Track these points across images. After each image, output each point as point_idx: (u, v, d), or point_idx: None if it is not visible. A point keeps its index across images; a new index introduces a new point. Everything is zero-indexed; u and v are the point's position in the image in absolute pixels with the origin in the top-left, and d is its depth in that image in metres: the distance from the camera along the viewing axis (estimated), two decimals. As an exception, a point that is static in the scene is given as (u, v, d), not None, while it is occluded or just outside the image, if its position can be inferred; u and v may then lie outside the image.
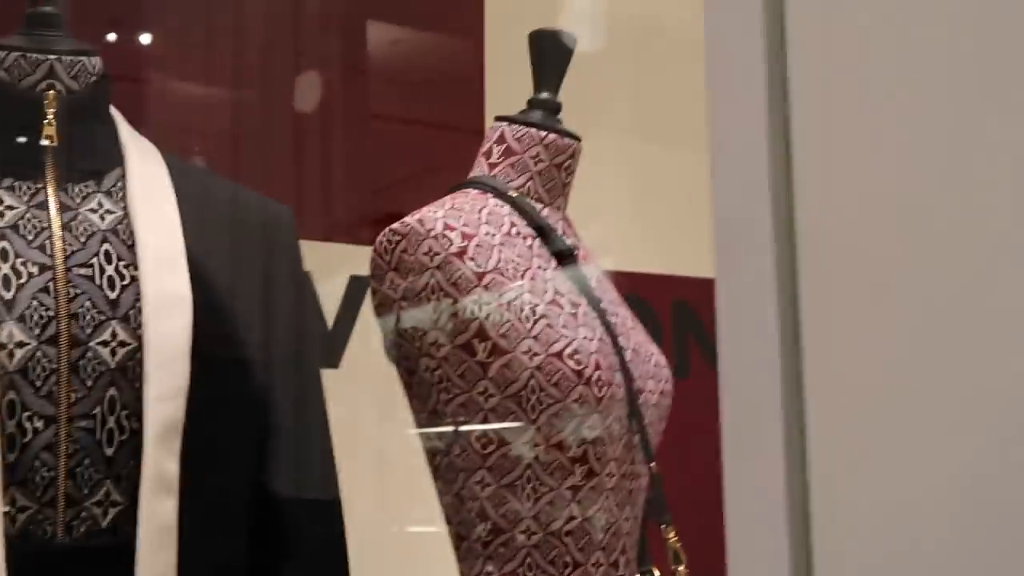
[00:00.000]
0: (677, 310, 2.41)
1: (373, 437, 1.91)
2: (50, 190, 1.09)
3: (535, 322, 1.25)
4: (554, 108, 1.40)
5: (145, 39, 2.05)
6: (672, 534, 1.32)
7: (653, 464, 1.32)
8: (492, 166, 1.38)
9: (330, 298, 2.01)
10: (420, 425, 1.30)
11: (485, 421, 1.24)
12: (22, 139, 1.10)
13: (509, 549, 1.25)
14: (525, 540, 1.24)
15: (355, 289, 2.00)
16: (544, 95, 1.40)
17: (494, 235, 1.29)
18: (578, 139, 1.41)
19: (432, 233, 1.24)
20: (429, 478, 1.32)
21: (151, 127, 1.74)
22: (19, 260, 1.04)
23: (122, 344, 1.04)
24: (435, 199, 1.31)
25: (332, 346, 1.98)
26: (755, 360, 0.56)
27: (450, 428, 1.26)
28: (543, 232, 1.34)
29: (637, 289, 2.30)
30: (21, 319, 1.02)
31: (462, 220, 1.27)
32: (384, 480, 2.02)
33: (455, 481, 1.27)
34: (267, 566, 1.16)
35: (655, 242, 2.35)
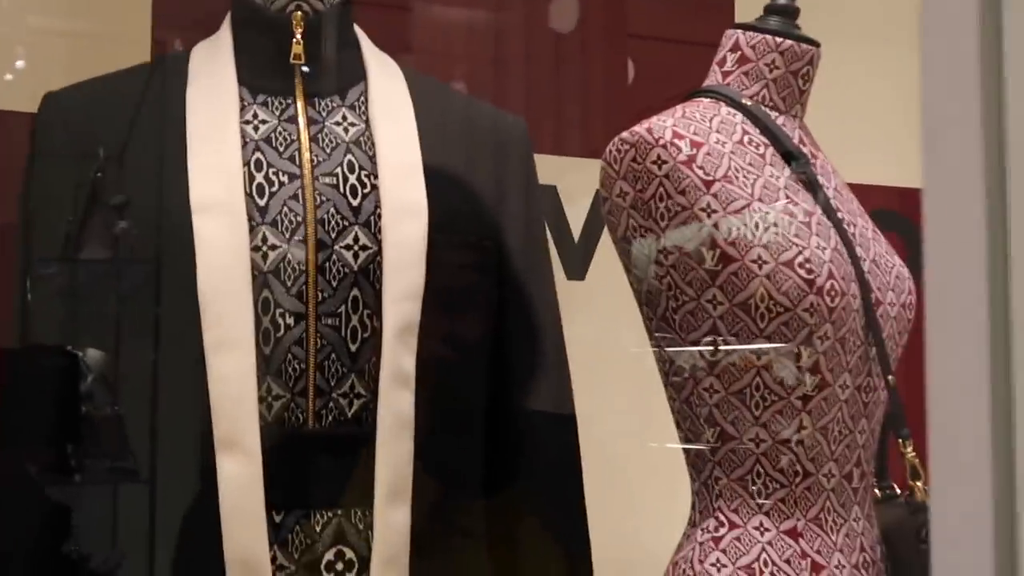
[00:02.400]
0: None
1: (620, 349, 1.93)
2: (299, 105, 1.17)
3: (766, 230, 1.23)
4: (792, 13, 1.36)
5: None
6: (910, 449, 1.28)
7: (891, 377, 1.29)
8: (726, 74, 1.36)
9: (578, 211, 2.04)
10: (651, 331, 1.32)
11: (714, 329, 1.24)
12: (273, 59, 1.18)
13: (737, 455, 1.25)
14: (754, 448, 1.25)
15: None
16: (782, 0, 1.36)
17: (725, 143, 1.28)
18: (816, 44, 1.37)
19: (660, 141, 1.24)
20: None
21: (410, 51, 1.82)
22: (271, 170, 1.13)
23: (363, 248, 1.11)
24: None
25: (579, 258, 2.02)
26: (962, 276, 0.55)
27: (682, 338, 1.27)
28: (776, 140, 1.32)
29: (901, 204, 2.21)
30: (274, 224, 1.10)
31: (692, 128, 1.27)
32: (635, 392, 2.04)
33: (684, 388, 1.28)
34: (502, 471, 1.21)
35: (916, 154, 2.24)
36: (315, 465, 1.10)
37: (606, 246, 2.05)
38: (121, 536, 1.10)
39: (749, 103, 1.33)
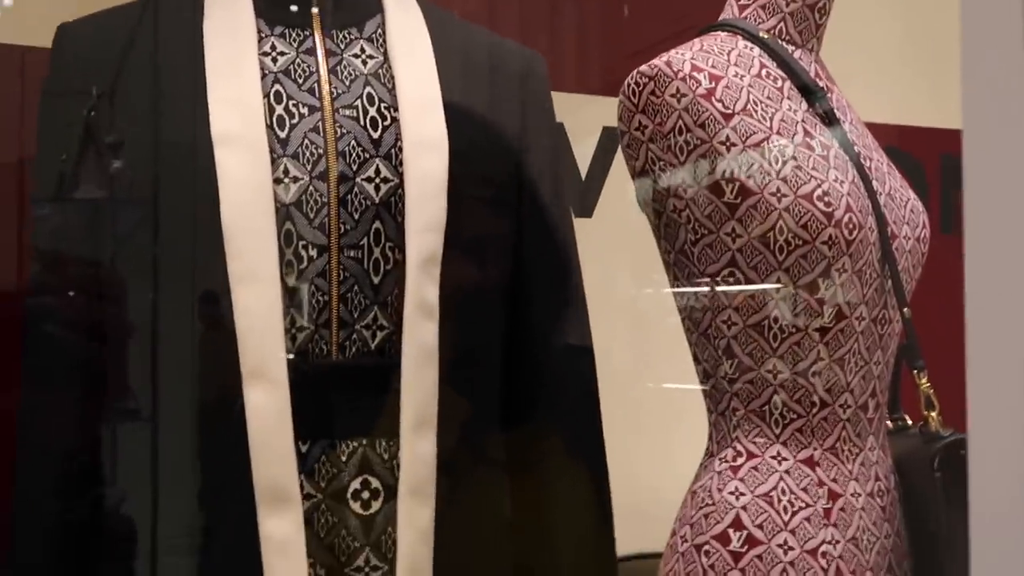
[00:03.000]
0: (946, 164, 2.31)
1: (626, 286, 1.94)
2: (317, 37, 1.16)
3: (784, 163, 1.24)
4: (809, -55, 1.35)
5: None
6: (924, 380, 1.30)
7: (906, 309, 1.30)
8: (742, 8, 1.35)
9: (584, 148, 2.04)
10: (668, 266, 1.32)
11: (732, 262, 1.25)
12: (292, -11, 1.17)
13: (755, 386, 1.27)
14: (771, 378, 1.26)
15: (608, 140, 2.01)
16: (798, -68, 1.36)
17: (743, 77, 1.28)
18: (834, -23, 1.36)
19: (680, 75, 1.24)
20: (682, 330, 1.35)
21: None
22: (291, 102, 1.12)
23: (385, 180, 1.11)
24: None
25: (585, 195, 2.02)
26: (1002, 219, 0.55)
27: (700, 271, 1.28)
28: (794, 74, 1.31)
29: (903, 142, 2.22)
30: (295, 156, 1.10)
31: (710, 62, 1.27)
32: (638, 330, 2.05)
33: (702, 320, 1.29)
34: (524, 401, 1.22)
35: (923, 92, 2.24)
36: (340, 396, 1.11)
37: (612, 184, 2.06)
38: (147, 468, 1.10)
39: (766, 36, 1.33)
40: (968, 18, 0.58)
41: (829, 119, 1.32)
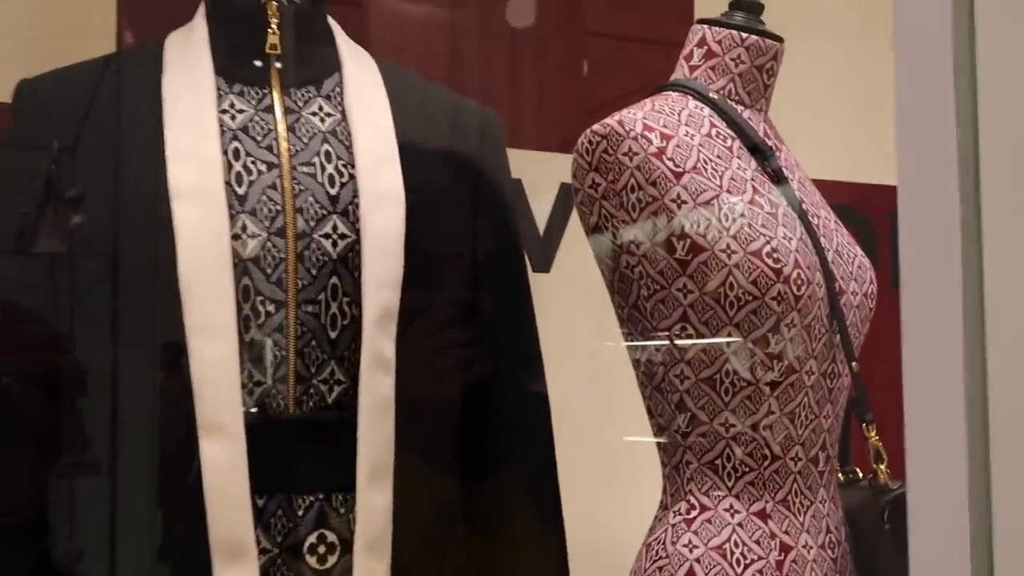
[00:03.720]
0: (895, 220, 2.35)
1: (587, 339, 1.95)
2: (275, 95, 1.18)
3: (734, 221, 1.26)
4: (756, 9, 1.40)
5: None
6: (873, 433, 1.32)
7: (855, 364, 1.32)
8: (693, 68, 1.39)
9: (542, 205, 2.06)
10: (623, 320, 1.34)
11: (684, 317, 1.27)
12: (249, 49, 1.19)
13: (708, 439, 1.28)
14: (723, 432, 1.28)
15: (566, 195, 2.03)
16: (747, -4, 1.40)
17: (693, 136, 1.31)
18: (780, 40, 1.40)
19: (632, 134, 1.27)
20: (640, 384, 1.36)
21: (371, 44, 1.82)
22: (250, 159, 1.14)
23: (342, 236, 1.13)
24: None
25: (544, 250, 2.04)
26: (937, 273, 0.57)
27: (653, 326, 1.30)
28: (743, 133, 1.35)
29: (853, 199, 2.26)
30: (253, 212, 1.11)
31: (661, 121, 1.30)
32: (596, 384, 2.05)
33: (656, 374, 1.31)
34: (479, 452, 1.23)
35: (871, 150, 2.29)
36: (296, 450, 1.11)
37: (569, 239, 2.08)
38: (104, 522, 1.10)
39: (716, 97, 1.36)
40: (902, 78, 0.61)
41: (778, 177, 1.35)
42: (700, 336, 1.27)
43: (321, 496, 1.10)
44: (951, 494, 0.57)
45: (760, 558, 1.25)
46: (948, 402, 0.57)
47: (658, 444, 1.34)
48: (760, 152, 1.35)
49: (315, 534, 1.09)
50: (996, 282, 0.56)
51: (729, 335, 1.26)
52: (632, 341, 1.33)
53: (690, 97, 1.36)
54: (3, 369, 1.15)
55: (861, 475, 1.38)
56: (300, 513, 1.09)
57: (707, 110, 1.35)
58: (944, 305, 0.58)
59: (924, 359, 0.60)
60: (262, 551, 1.07)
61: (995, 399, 0.55)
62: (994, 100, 0.56)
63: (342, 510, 1.10)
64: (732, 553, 1.24)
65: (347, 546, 1.10)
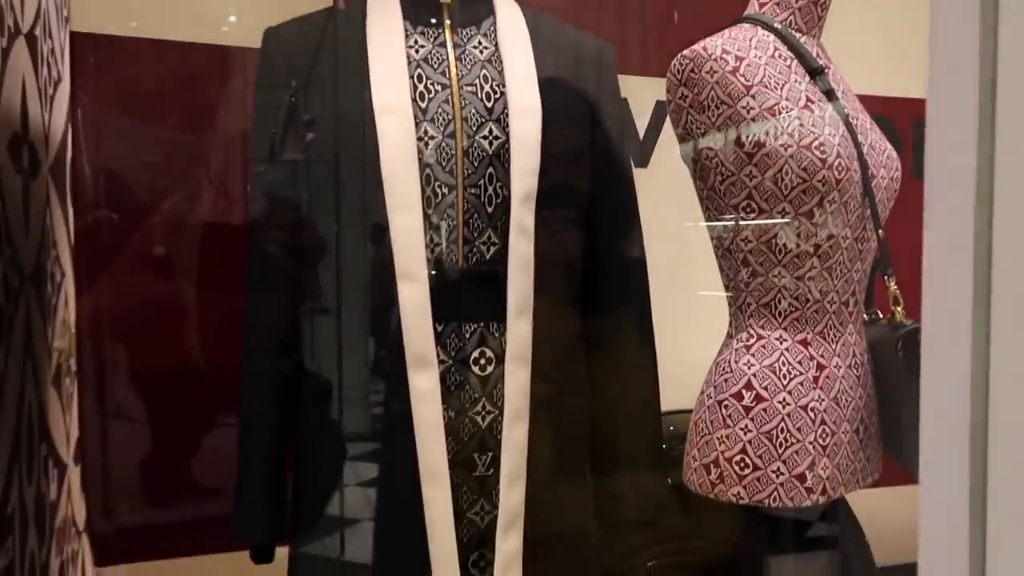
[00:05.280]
0: (916, 127, 2.21)
1: (673, 220, 1.91)
2: (447, 34, 1.16)
3: (790, 123, 1.20)
4: (814, -44, 1.29)
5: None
6: (893, 283, 1.27)
7: (881, 231, 1.26)
8: (761, 5, 1.31)
9: (642, 116, 2.00)
10: (701, 200, 1.30)
11: (749, 196, 1.23)
12: (428, 2, 1.16)
13: (764, 287, 1.25)
14: (776, 282, 1.24)
15: (660, 110, 1.98)
16: (806, -55, 1.29)
17: (760, 58, 1.24)
18: (832, -20, 1.30)
19: (713, 56, 1.21)
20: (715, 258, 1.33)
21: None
22: (429, 81, 1.12)
23: (496, 138, 1.11)
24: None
25: (642, 151, 1.99)
26: (955, 167, 0.53)
27: (726, 203, 1.26)
28: (800, 55, 1.27)
29: (884, 109, 2.12)
30: (432, 121, 1.10)
31: (736, 46, 1.23)
32: (679, 253, 2.02)
33: (726, 239, 1.27)
34: (594, 298, 1.22)
35: (899, 67, 2.14)
36: (464, 291, 1.12)
37: (663, 143, 2.02)
38: (333, 344, 1.14)
39: (779, 27, 1.28)
40: (937, 13, 0.56)
41: (826, 89, 1.27)
42: (761, 211, 1.22)
43: (482, 324, 1.11)
44: (958, 332, 0.54)
45: (801, 374, 1.22)
46: (959, 260, 0.53)
47: (727, 290, 1.30)
48: (813, 70, 1.27)
49: (478, 350, 1.11)
50: (1006, 172, 0.51)
51: (783, 210, 1.21)
52: (708, 217, 1.29)
53: (759, 27, 1.28)
54: (267, 242, 1.19)
55: (881, 316, 1.33)
56: (467, 335, 1.11)
57: (772, 37, 1.27)
58: (960, 190, 0.53)
59: (942, 228, 0.55)
60: (440, 362, 1.09)
61: (998, 262, 0.51)
62: (1016, 23, 0.51)
63: (497, 334, 1.11)
64: (780, 370, 1.22)
65: (500, 359, 1.11)
